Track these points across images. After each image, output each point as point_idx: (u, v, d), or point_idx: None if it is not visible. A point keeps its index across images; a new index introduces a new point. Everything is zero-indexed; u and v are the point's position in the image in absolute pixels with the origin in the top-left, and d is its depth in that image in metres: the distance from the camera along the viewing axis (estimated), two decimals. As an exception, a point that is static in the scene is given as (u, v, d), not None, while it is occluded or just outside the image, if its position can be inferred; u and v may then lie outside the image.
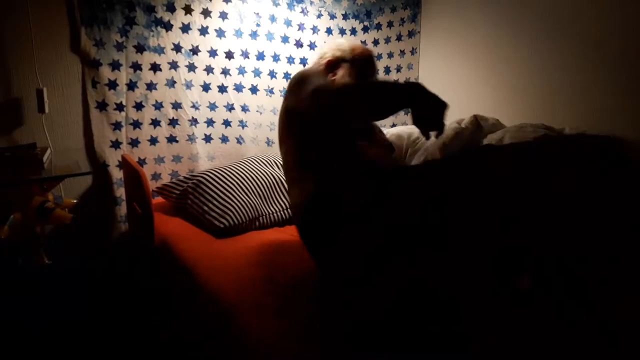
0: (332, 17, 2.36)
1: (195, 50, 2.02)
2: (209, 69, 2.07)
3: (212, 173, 1.81)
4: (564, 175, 0.97)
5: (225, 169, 1.84)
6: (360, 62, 1.45)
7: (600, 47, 1.77)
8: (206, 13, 2.01)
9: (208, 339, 1.24)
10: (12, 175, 1.50)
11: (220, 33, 2.07)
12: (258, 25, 2.16)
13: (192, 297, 1.33)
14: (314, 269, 1.23)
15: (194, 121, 2.08)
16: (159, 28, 1.92)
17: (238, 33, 2.11)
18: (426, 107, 1.05)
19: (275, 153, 2.08)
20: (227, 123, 2.17)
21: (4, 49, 1.68)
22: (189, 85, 2.04)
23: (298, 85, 1.30)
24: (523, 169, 0.99)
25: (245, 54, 2.15)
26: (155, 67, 1.94)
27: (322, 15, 2.33)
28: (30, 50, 1.69)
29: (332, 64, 1.46)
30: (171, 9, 1.93)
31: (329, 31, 2.36)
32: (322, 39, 2.35)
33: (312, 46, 2.33)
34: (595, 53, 1.79)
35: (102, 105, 1.86)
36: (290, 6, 2.23)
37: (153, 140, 2.01)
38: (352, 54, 1.47)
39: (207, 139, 2.14)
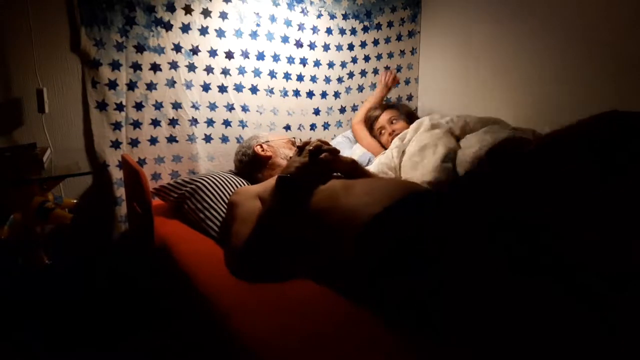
0: (332, 17, 2.36)
1: (195, 50, 2.02)
2: (209, 69, 2.07)
3: (211, 180, 1.77)
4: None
5: (225, 177, 1.80)
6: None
7: (601, 46, 1.77)
8: (206, 13, 2.01)
9: (205, 341, 1.24)
10: (12, 175, 1.50)
11: (220, 33, 2.07)
12: (258, 25, 2.16)
13: (189, 299, 1.33)
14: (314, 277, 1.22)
15: (194, 121, 2.08)
16: (159, 28, 1.92)
17: (238, 33, 2.11)
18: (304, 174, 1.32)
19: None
20: (227, 123, 2.17)
21: (4, 49, 1.68)
22: (189, 85, 2.04)
23: (229, 211, 1.46)
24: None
25: (245, 54, 2.15)
26: (155, 67, 1.94)
27: (322, 15, 2.33)
28: (30, 50, 1.69)
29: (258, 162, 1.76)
30: (171, 9, 1.93)
31: (329, 31, 2.37)
32: (322, 39, 2.35)
33: (312, 46, 2.33)
34: (596, 53, 1.79)
35: (102, 105, 1.86)
36: (290, 6, 2.23)
37: (153, 140, 2.01)
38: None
39: (207, 139, 2.14)
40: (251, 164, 1.78)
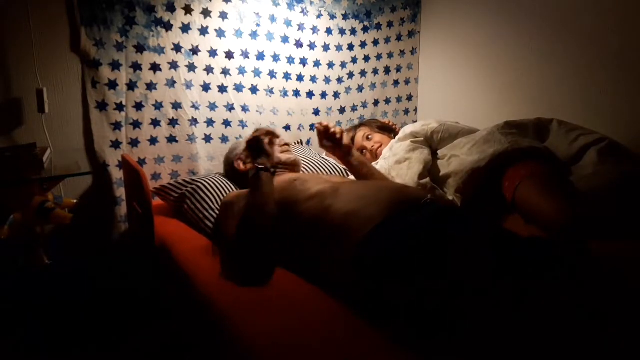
0: (332, 17, 2.36)
1: (195, 50, 2.02)
2: (209, 69, 2.07)
3: (211, 180, 1.77)
4: None
5: (225, 178, 1.81)
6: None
7: (601, 46, 1.78)
8: (206, 13, 2.02)
9: (204, 341, 1.24)
10: (12, 175, 1.50)
11: (220, 33, 2.07)
12: (258, 25, 2.16)
13: (189, 299, 1.33)
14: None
15: (194, 121, 2.08)
16: (159, 28, 1.92)
17: (238, 33, 2.11)
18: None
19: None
20: (227, 123, 2.17)
21: (4, 49, 1.68)
22: (189, 85, 2.04)
23: (223, 213, 1.45)
24: None
25: (245, 54, 2.15)
26: (155, 67, 1.94)
27: (322, 15, 2.33)
28: (30, 50, 1.69)
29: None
30: (171, 9, 1.93)
31: (328, 31, 2.37)
32: (322, 39, 2.36)
33: (312, 46, 2.33)
34: (595, 52, 1.80)
35: (102, 105, 1.86)
36: (290, 6, 2.23)
37: (153, 140, 2.01)
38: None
39: (207, 139, 2.14)
40: (235, 178, 1.75)
